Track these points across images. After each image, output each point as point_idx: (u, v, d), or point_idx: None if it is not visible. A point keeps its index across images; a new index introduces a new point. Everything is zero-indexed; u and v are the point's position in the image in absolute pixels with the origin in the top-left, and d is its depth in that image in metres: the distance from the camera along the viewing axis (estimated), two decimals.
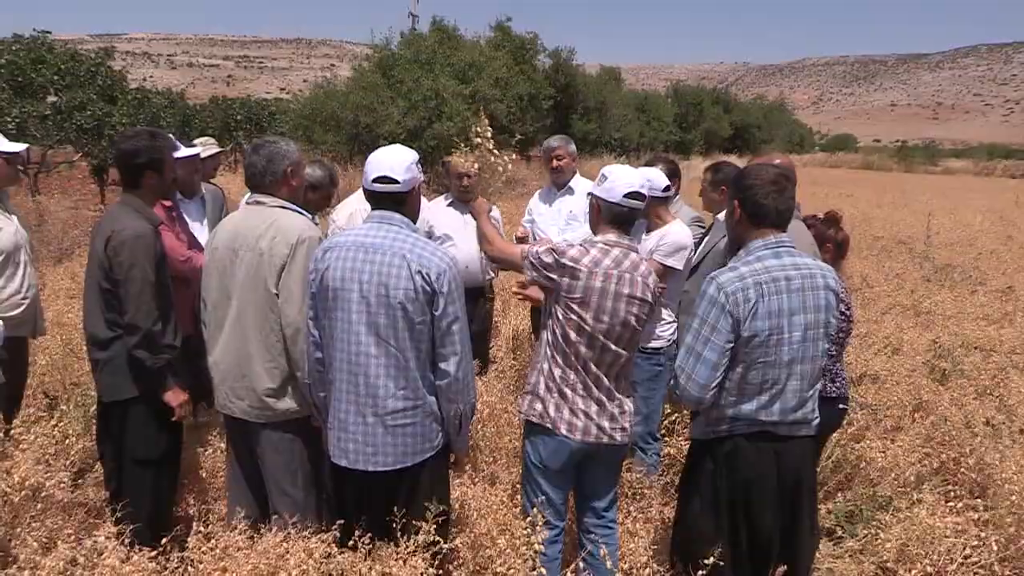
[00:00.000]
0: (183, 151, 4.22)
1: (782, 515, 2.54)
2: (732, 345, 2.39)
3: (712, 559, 2.35)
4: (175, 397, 2.94)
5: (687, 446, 3.91)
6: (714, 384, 2.42)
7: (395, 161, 2.50)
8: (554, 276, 2.62)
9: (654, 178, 3.58)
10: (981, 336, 6.45)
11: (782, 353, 2.40)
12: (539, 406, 2.72)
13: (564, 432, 2.67)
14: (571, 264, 2.60)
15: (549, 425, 2.69)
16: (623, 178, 2.66)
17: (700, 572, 2.34)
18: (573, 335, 2.63)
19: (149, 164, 2.97)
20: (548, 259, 2.63)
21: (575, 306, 2.61)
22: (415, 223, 2.61)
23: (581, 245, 2.68)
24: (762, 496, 2.49)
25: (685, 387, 2.43)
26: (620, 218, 2.68)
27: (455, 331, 2.48)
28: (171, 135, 3.54)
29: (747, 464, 2.48)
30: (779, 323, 2.38)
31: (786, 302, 2.38)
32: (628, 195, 2.65)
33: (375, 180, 2.51)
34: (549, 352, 2.71)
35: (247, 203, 2.84)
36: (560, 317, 2.65)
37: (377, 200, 2.55)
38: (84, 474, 3.68)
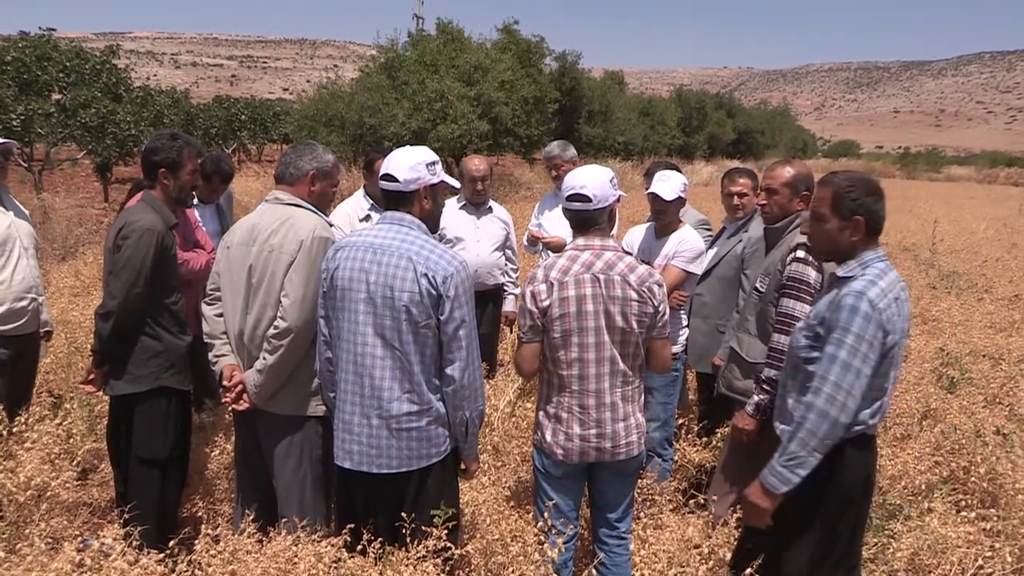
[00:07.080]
0: None
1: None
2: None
3: None
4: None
5: (695, 452, 3.89)
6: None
7: (401, 160, 2.49)
8: (539, 308, 2.59)
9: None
10: (989, 344, 6.41)
11: (899, 359, 2.43)
12: (539, 432, 2.74)
13: (560, 457, 2.67)
14: (542, 287, 2.58)
15: (547, 451, 2.70)
16: (567, 181, 2.67)
17: None
18: (561, 354, 2.59)
19: (163, 163, 3.05)
20: (526, 304, 2.61)
21: (556, 322, 2.57)
22: (430, 226, 2.57)
23: (550, 259, 2.67)
24: (864, 502, 2.52)
25: (845, 404, 2.27)
26: (573, 221, 2.67)
27: (461, 336, 2.43)
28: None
29: (861, 465, 2.46)
30: (903, 331, 2.40)
31: (906, 310, 2.41)
32: (569, 198, 2.63)
33: (381, 177, 2.51)
34: (545, 377, 2.70)
35: (266, 200, 2.85)
36: (545, 342, 2.62)
37: (385, 199, 2.55)
38: (89, 474, 3.66)
